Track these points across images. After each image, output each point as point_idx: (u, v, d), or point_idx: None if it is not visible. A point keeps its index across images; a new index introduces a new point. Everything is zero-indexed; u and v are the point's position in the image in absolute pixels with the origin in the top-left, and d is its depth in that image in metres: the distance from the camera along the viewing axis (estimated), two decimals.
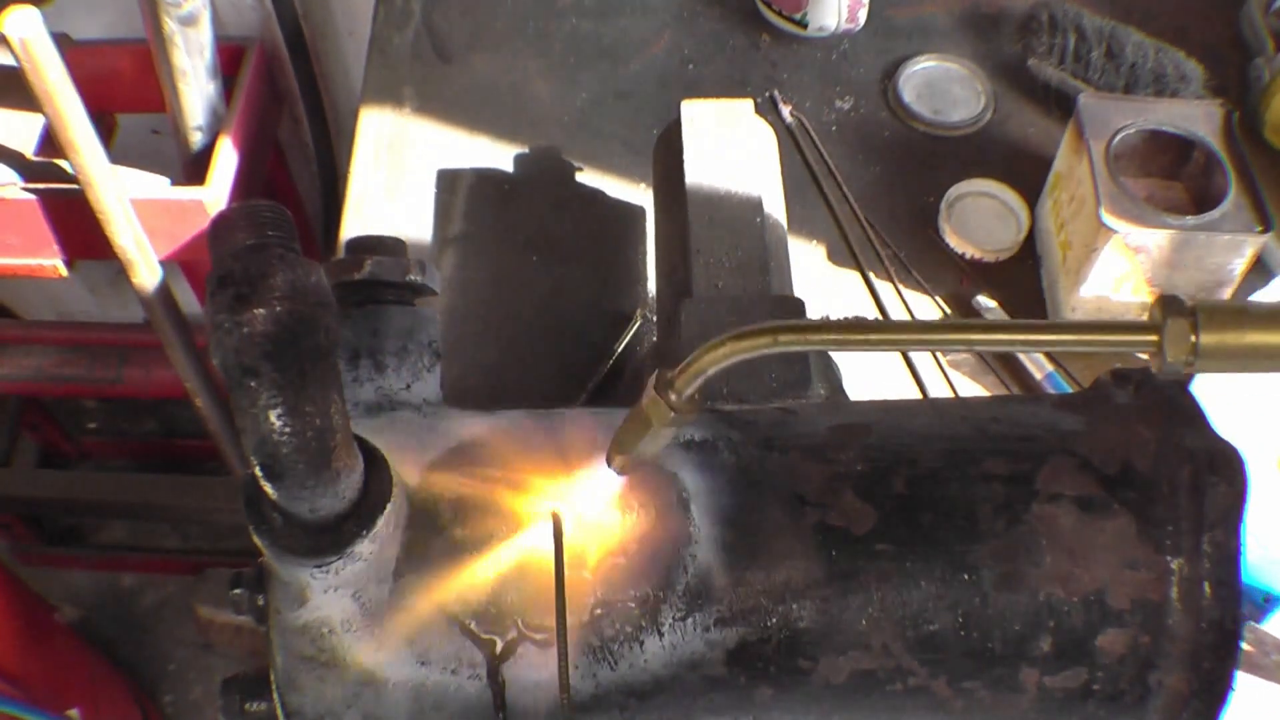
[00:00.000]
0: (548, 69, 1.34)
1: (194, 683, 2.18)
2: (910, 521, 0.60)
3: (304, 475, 0.50)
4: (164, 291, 1.40)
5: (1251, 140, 1.23)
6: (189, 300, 1.55)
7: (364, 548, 0.54)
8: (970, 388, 1.11)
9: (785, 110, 1.29)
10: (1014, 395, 1.08)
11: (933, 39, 1.36)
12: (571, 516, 0.60)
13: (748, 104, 0.95)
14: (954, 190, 1.21)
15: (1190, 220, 1.02)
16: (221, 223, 0.49)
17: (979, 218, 1.21)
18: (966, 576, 0.59)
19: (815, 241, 1.20)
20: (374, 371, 0.69)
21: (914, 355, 1.12)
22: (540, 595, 0.59)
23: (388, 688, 0.58)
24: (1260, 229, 1.02)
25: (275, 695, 0.58)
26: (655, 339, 1.10)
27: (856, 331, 0.51)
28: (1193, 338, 0.46)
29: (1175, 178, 1.13)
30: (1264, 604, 0.95)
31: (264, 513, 0.53)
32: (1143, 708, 0.60)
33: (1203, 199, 1.08)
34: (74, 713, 1.68)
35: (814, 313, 0.80)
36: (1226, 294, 1.07)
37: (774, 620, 0.60)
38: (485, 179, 1.26)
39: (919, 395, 1.10)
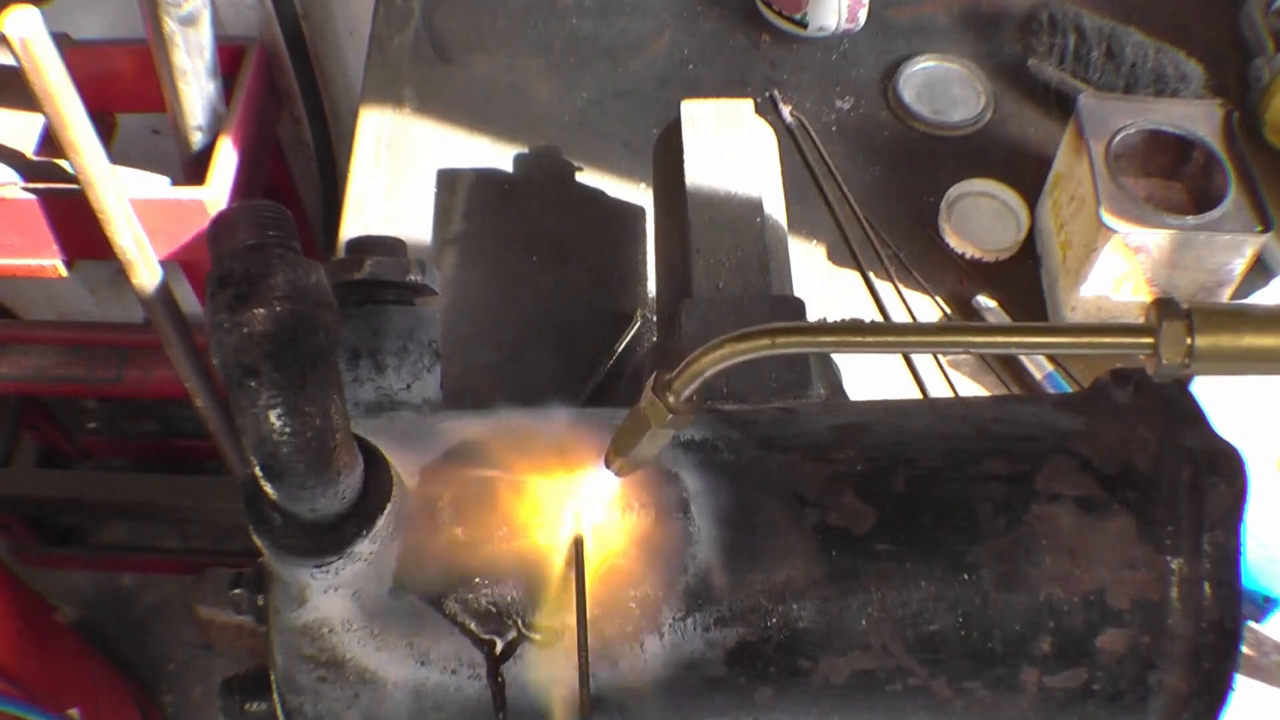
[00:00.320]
0: (548, 69, 1.34)
1: (194, 683, 2.18)
2: (910, 521, 0.60)
3: (304, 475, 0.50)
4: (164, 291, 1.40)
5: (1251, 140, 1.23)
6: (189, 300, 1.55)
7: (364, 548, 0.54)
8: (970, 388, 1.11)
9: (785, 110, 1.29)
10: (1014, 395, 1.08)
11: (933, 39, 1.36)
12: (570, 516, 0.60)
13: (748, 104, 0.95)
14: (954, 190, 1.21)
15: (1190, 220, 1.02)
16: (221, 223, 0.49)
17: (979, 218, 1.21)
18: (966, 576, 0.59)
19: (815, 241, 1.20)
20: (374, 371, 0.69)
21: (914, 356, 1.12)
22: (540, 595, 0.59)
23: (388, 688, 0.58)
24: (1260, 229, 1.02)
25: (275, 695, 0.58)
26: (655, 339, 1.10)
27: (854, 334, 0.51)
28: (1188, 340, 0.46)
29: (1175, 178, 1.13)
30: (1264, 604, 0.95)
31: (264, 513, 0.53)
32: (1143, 708, 0.60)
33: (1203, 199, 1.08)
34: (74, 713, 1.68)
35: (814, 313, 0.80)
36: (1226, 294, 1.07)
37: (774, 620, 0.60)
38: (485, 179, 1.26)
39: (919, 395, 1.10)
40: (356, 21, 1.71)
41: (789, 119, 1.29)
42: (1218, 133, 1.08)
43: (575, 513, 0.60)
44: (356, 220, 1.23)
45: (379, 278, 0.71)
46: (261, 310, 0.45)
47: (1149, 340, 0.47)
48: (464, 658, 0.58)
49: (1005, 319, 1.13)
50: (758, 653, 0.60)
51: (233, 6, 1.65)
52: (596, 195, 1.25)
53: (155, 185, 1.41)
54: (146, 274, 1.37)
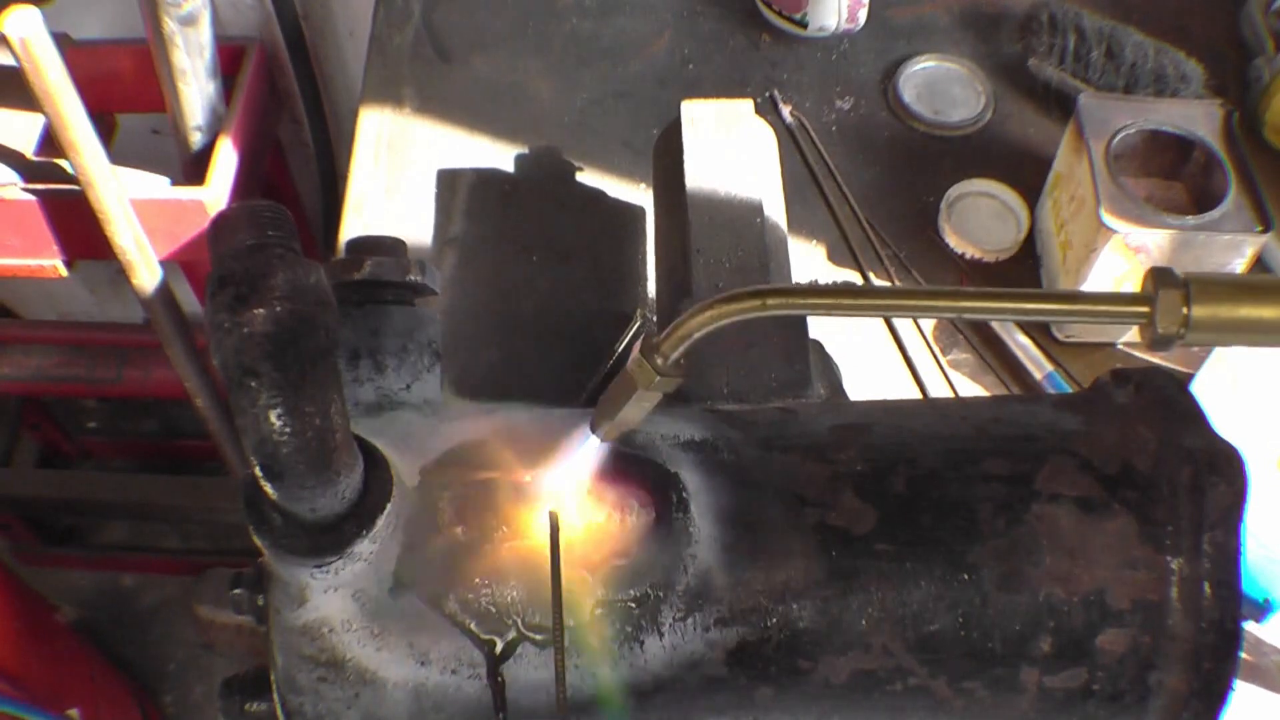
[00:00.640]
0: (548, 69, 1.34)
1: (194, 683, 2.18)
2: (910, 521, 0.60)
3: (304, 475, 0.50)
4: (164, 291, 1.40)
5: (1251, 140, 1.23)
6: (189, 300, 1.55)
7: (364, 548, 0.54)
8: (970, 388, 1.11)
9: (785, 110, 1.29)
10: (1014, 395, 1.08)
11: (933, 39, 1.36)
12: (570, 516, 0.60)
13: (748, 104, 0.95)
14: (954, 190, 1.21)
15: (1190, 220, 1.02)
16: (221, 223, 0.49)
17: (979, 218, 1.21)
18: (966, 576, 0.59)
19: (815, 241, 1.20)
20: (374, 371, 0.69)
21: (914, 356, 1.12)
22: (540, 595, 0.59)
23: (388, 688, 0.58)
24: (1260, 229, 1.02)
25: (275, 695, 0.59)
26: None
27: (845, 296, 0.51)
28: (1185, 310, 0.46)
29: (1175, 178, 1.13)
30: (1263, 605, 0.95)
31: (264, 513, 0.53)
32: (1143, 708, 0.60)
33: (1203, 199, 1.08)
34: (74, 713, 1.68)
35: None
36: None
37: (774, 620, 0.60)
38: (485, 179, 1.26)
39: (919, 395, 1.10)
40: (356, 21, 1.71)
41: (789, 119, 1.29)
42: (1218, 133, 1.08)
43: (575, 513, 0.60)
44: (356, 220, 1.23)
45: (379, 278, 0.71)
46: (261, 310, 0.45)
47: (1145, 309, 0.47)
48: (464, 658, 0.58)
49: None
50: (758, 653, 0.60)
51: (233, 6, 1.65)
52: (596, 195, 1.25)
53: (155, 185, 1.41)
54: (146, 274, 1.37)
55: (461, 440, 0.64)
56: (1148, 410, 0.63)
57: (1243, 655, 0.90)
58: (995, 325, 1.13)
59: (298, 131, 1.84)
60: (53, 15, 1.15)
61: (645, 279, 1.18)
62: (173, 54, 1.31)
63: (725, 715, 0.62)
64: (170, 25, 1.28)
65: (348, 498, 0.53)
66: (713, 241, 0.86)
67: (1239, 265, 1.04)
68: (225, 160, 1.43)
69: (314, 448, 0.49)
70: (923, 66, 1.32)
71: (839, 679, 0.60)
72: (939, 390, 1.10)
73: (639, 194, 1.24)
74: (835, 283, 1.16)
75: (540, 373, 1.13)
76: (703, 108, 0.94)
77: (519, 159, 1.27)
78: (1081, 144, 1.08)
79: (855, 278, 1.18)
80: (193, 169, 1.45)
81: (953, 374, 1.11)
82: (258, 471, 0.50)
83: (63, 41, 1.26)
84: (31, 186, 1.38)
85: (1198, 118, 1.10)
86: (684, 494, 0.61)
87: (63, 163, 1.34)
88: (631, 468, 0.62)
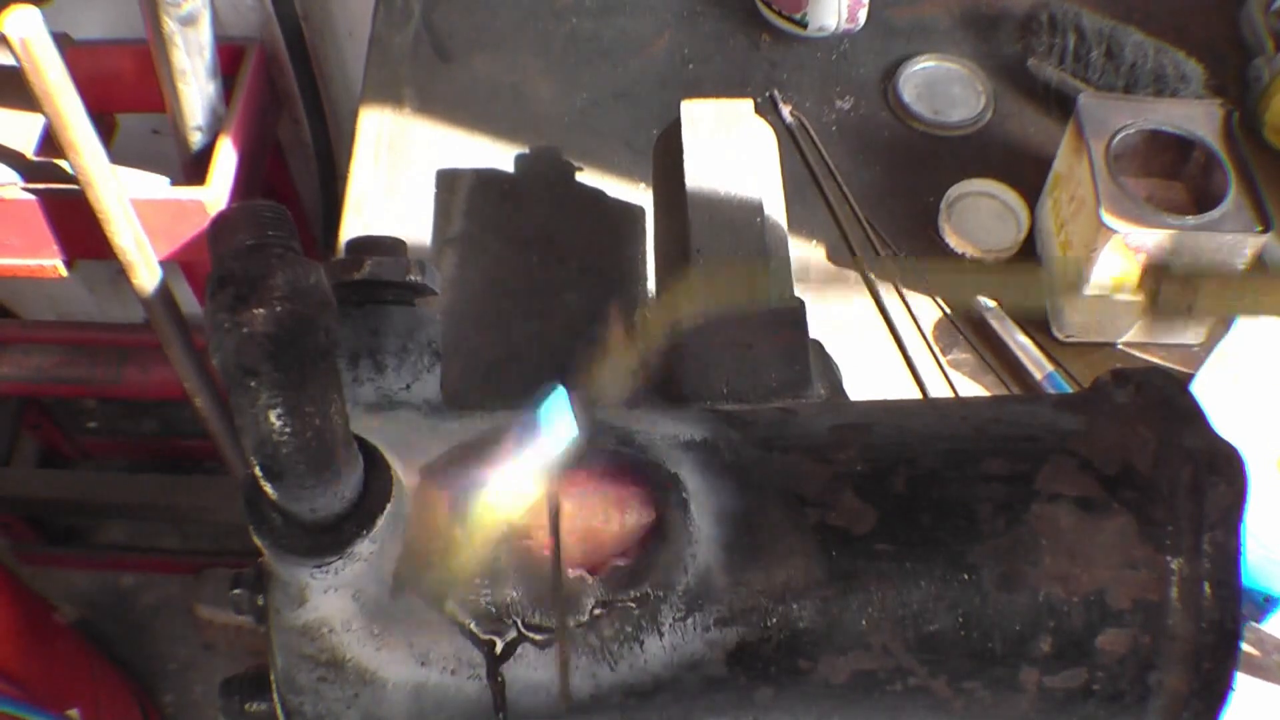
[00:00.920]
0: (548, 69, 1.35)
1: (194, 683, 2.18)
2: (910, 521, 0.60)
3: (304, 475, 0.50)
4: (164, 291, 1.40)
5: (1251, 140, 1.23)
6: (189, 300, 1.55)
7: (364, 548, 0.54)
8: (970, 388, 1.11)
9: (785, 110, 1.29)
10: (1014, 395, 1.08)
11: (933, 39, 1.36)
12: (570, 516, 0.60)
13: (748, 104, 0.95)
14: (954, 190, 1.21)
15: (1190, 220, 1.02)
16: (221, 223, 0.49)
17: (979, 218, 1.21)
18: (966, 576, 0.59)
19: (815, 241, 1.20)
20: (374, 371, 0.69)
21: (914, 356, 1.12)
22: (540, 595, 0.59)
23: (388, 688, 0.58)
24: (1260, 229, 1.02)
25: (275, 695, 0.58)
26: None
27: None
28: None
29: (1175, 178, 1.13)
30: (1264, 604, 0.95)
31: (264, 513, 0.53)
32: (1143, 708, 0.60)
33: (1203, 199, 1.08)
34: (74, 713, 1.68)
35: (814, 313, 0.80)
36: None
37: (774, 620, 0.60)
38: (485, 179, 1.26)
39: (919, 395, 1.10)
40: (356, 21, 1.71)
41: (789, 119, 1.29)
42: (1218, 133, 1.08)
43: (575, 513, 0.60)
44: (356, 220, 1.23)
45: (379, 278, 0.71)
46: (261, 310, 0.45)
47: None
48: (464, 658, 0.58)
49: (1005, 318, 1.13)
50: (758, 653, 0.60)
51: (233, 7, 1.65)
52: (596, 195, 1.25)
53: (155, 185, 1.41)
54: (146, 274, 1.37)
55: (461, 440, 0.64)
56: (1148, 410, 0.63)
57: (1245, 648, 0.90)
58: (995, 325, 1.13)
59: (298, 131, 1.84)
60: (53, 15, 1.15)
61: (645, 279, 1.18)
62: (173, 54, 1.31)
63: (725, 715, 0.62)
64: (170, 25, 1.28)
65: (348, 498, 0.53)
66: (713, 241, 0.86)
67: (1239, 265, 1.04)
68: (225, 160, 1.43)
69: (314, 448, 0.49)
70: (923, 66, 1.32)
71: (839, 679, 0.60)
72: (939, 390, 1.10)
73: (639, 194, 1.24)
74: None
75: (540, 373, 1.13)
76: (703, 108, 0.94)
77: (519, 159, 1.27)
78: (1081, 144, 1.08)
79: (855, 278, 1.18)
80: (193, 169, 1.45)
81: (953, 374, 1.11)
82: (258, 471, 0.50)
83: (63, 41, 1.27)
84: (31, 186, 1.38)
85: (1198, 118, 1.10)
86: (684, 494, 0.61)
87: (63, 163, 1.34)
88: (631, 468, 0.62)
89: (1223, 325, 1.09)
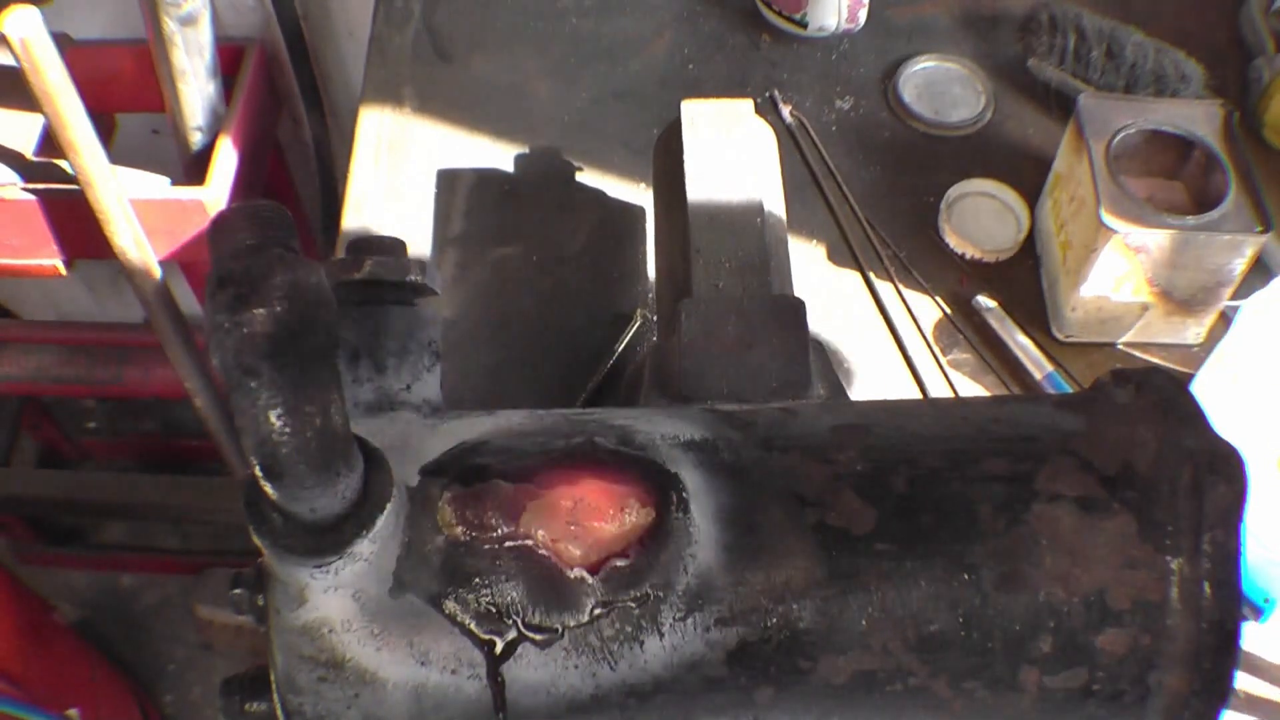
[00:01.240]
0: (548, 69, 1.35)
1: (194, 683, 2.18)
2: (910, 521, 0.60)
3: (304, 475, 0.50)
4: (164, 291, 1.40)
5: (1251, 140, 1.23)
6: (189, 300, 1.55)
7: (364, 548, 0.54)
8: (970, 388, 1.11)
9: (785, 110, 1.29)
10: (1014, 395, 1.08)
11: (933, 39, 1.36)
12: (571, 516, 0.60)
13: (748, 104, 0.95)
14: (954, 190, 1.21)
15: (1190, 220, 1.02)
16: (221, 223, 0.49)
17: (979, 218, 1.21)
18: (966, 576, 0.59)
19: (815, 241, 1.20)
20: (374, 371, 0.69)
21: (914, 356, 1.12)
22: (540, 595, 0.59)
23: (388, 688, 0.58)
24: (1260, 229, 1.02)
25: (275, 695, 0.58)
26: (655, 339, 1.10)
27: None
28: None
29: (1175, 178, 1.13)
30: (1264, 604, 0.95)
31: (264, 513, 0.53)
32: (1143, 708, 0.60)
33: (1203, 199, 1.08)
34: (74, 713, 1.68)
35: (814, 313, 0.80)
36: (1227, 294, 1.07)
37: (774, 620, 0.59)
38: (485, 179, 1.26)
39: (919, 395, 1.10)
40: (356, 21, 1.71)
41: (789, 119, 1.29)
42: (1218, 133, 1.08)
43: (575, 513, 0.60)
44: (356, 220, 1.23)
45: (379, 278, 0.71)
46: (261, 310, 0.45)
47: None
48: (464, 658, 0.58)
49: (1005, 318, 1.13)
50: (758, 653, 0.60)
51: (233, 7, 1.65)
52: (596, 195, 1.25)
53: (155, 185, 1.41)
54: (146, 274, 1.37)
55: (461, 440, 0.64)
56: (1148, 410, 0.63)
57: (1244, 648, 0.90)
58: (995, 325, 1.13)
59: (298, 131, 1.84)
60: (53, 15, 1.15)
61: (645, 279, 1.18)
62: (173, 54, 1.31)
63: (725, 716, 0.62)
64: (170, 25, 1.28)
65: (348, 498, 0.53)
66: (712, 241, 0.86)
67: (1239, 265, 1.04)
68: (225, 160, 1.43)
69: (314, 448, 0.49)
70: (923, 66, 1.32)
71: (839, 679, 0.60)
72: (939, 390, 1.10)
73: (639, 194, 1.24)
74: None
75: (540, 373, 1.13)
76: (703, 108, 0.94)
77: (519, 159, 1.27)
78: (1081, 144, 1.08)
79: (855, 278, 1.18)
80: (193, 169, 1.45)
81: (953, 374, 1.11)
82: (258, 471, 0.50)
83: (63, 41, 1.27)
84: (31, 186, 1.38)
85: (1198, 118, 1.10)
86: (684, 494, 0.61)
87: (63, 163, 1.34)
88: (631, 468, 0.62)
89: (1223, 325, 1.09)
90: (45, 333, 1.82)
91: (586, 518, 0.61)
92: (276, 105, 1.69)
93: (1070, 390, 1.09)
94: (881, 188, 1.24)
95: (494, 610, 0.58)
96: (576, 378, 1.11)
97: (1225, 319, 1.10)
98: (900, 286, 1.16)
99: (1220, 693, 0.58)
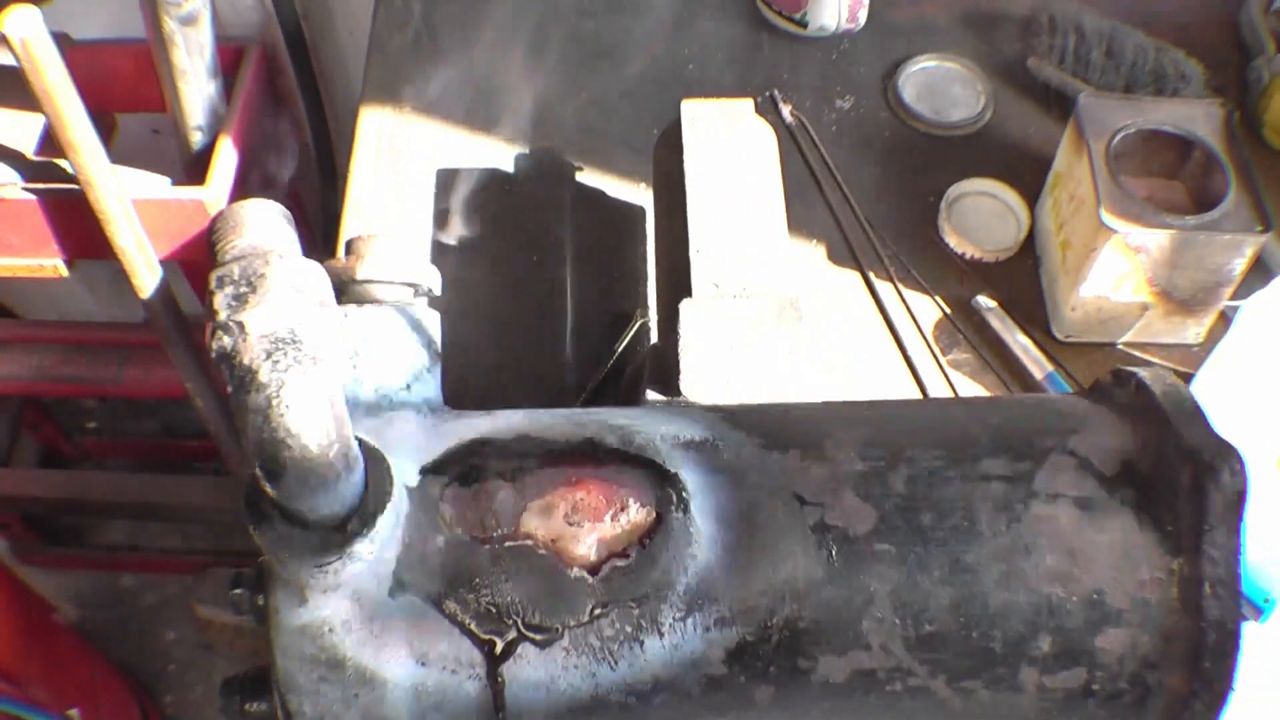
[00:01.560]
0: (548, 69, 1.34)
1: (194, 683, 2.18)
2: (910, 521, 0.60)
3: (304, 475, 0.50)
4: (164, 291, 1.40)
5: (1251, 140, 1.23)
6: (189, 300, 1.55)
7: (364, 548, 0.54)
8: (970, 388, 1.11)
9: (785, 110, 1.29)
10: (1014, 395, 1.08)
11: (933, 39, 1.36)
12: (571, 516, 0.60)
13: (748, 104, 0.95)
14: (954, 190, 1.21)
15: (1190, 220, 1.02)
16: (221, 222, 0.49)
17: (979, 218, 1.21)
18: (966, 576, 0.59)
19: (815, 241, 1.20)
20: (374, 371, 0.69)
21: (914, 356, 1.12)
22: (539, 595, 0.59)
23: (388, 688, 0.58)
24: (1260, 229, 1.02)
25: (275, 695, 0.59)
26: (655, 339, 1.10)
27: None
28: None
29: (1175, 178, 1.13)
30: (1264, 604, 0.95)
31: (264, 513, 0.53)
32: (1143, 708, 0.60)
33: (1203, 199, 1.08)
34: (74, 713, 1.68)
35: (814, 312, 0.80)
36: (1227, 294, 1.07)
37: (774, 620, 0.60)
38: (485, 179, 1.26)
39: (919, 395, 1.10)
40: (356, 21, 1.71)
41: (789, 119, 1.29)
42: (1218, 133, 1.08)
43: (575, 514, 0.60)
44: (356, 220, 1.23)
45: (379, 278, 0.71)
46: (261, 310, 0.45)
47: None
48: (464, 658, 0.58)
49: (1005, 317, 1.13)
50: (758, 653, 0.60)
51: (233, 6, 1.65)
52: (596, 195, 1.25)
53: (155, 185, 1.41)
54: (146, 274, 1.37)
55: (461, 440, 0.64)
56: (1148, 410, 0.63)
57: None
58: (995, 325, 1.13)
59: (298, 131, 1.84)
60: (53, 15, 1.15)
61: (645, 279, 1.18)
62: (173, 54, 1.31)
63: (725, 715, 0.62)
64: (170, 25, 1.28)
65: (348, 498, 0.53)
66: (713, 241, 0.86)
67: (1239, 265, 1.04)
68: (225, 160, 1.43)
69: (314, 448, 0.49)
70: (923, 66, 1.32)
71: (839, 679, 0.60)
72: (939, 390, 1.10)
73: (639, 194, 1.24)
74: None
75: (540, 373, 1.13)
76: (703, 108, 0.94)
77: (519, 159, 1.27)
78: (1081, 144, 1.08)
79: (855, 278, 1.18)
80: (193, 169, 1.45)
81: (953, 374, 1.11)
82: (258, 471, 0.50)
83: (63, 41, 1.26)
84: (31, 186, 1.38)
85: (1198, 118, 1.10)
86: (684, 494, 0.61)
87: (63, 163, 1.34)
88: (631, 467, 0.62)
89: (1223, 325, 1.09)
90: (45, 333, 1.82)
91: (586, 518, 0.61)
92: (276, 105, 1.69)
93: (1070, 390, 1.09)
94: (881, 187, 1.24)
95: (494, 610, 0.58)
96: (576, 377, 1.11)
97: (1225, 319, 1.10)
98: (900, 286, 1.16)
99: (1220, 693, 0.58)
